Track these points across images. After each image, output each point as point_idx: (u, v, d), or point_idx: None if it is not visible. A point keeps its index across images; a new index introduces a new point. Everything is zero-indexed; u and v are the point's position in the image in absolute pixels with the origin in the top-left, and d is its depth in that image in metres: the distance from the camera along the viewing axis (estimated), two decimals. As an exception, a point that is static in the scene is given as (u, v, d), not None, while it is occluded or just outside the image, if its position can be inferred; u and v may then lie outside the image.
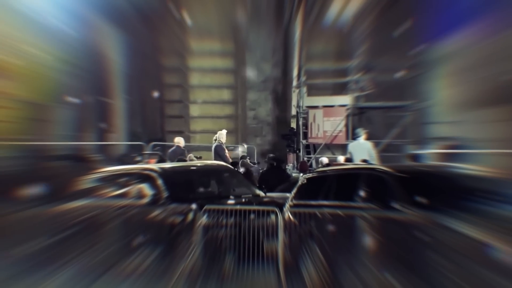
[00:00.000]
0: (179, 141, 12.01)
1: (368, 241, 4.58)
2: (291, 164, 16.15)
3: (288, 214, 5.27)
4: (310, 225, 4.98)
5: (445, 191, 4.92)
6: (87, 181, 7.65)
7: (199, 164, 9.06)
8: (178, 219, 5.64)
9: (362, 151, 10.16)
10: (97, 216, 6.09)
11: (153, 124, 19.12)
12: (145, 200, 6.45)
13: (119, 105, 17.63)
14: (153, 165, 8.11)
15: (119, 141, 17.47)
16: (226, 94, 19.46)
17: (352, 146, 10.76)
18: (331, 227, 4.87)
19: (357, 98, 15.11)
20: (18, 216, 6.16)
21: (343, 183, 5.65)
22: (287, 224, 5.16)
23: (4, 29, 11.12)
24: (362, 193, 5.19)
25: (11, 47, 11.59)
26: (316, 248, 4.80)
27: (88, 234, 5.90)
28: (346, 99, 15.31)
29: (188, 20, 18.31)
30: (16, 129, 12.33)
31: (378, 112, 15.01)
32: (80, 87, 17.82)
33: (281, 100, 18.82)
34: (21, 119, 12.61)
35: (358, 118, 15.02)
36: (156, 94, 18.85)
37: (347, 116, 14.94)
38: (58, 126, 16.17)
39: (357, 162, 9.65)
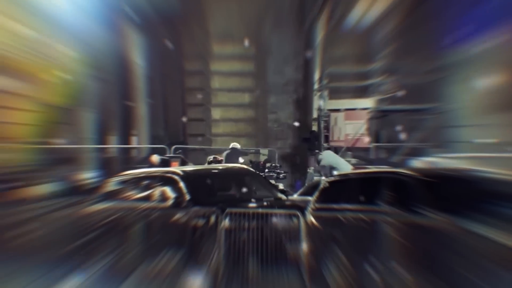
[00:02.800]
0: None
1: (392, 245, 4.53)
2: (312, 168, 16.08)
3: (310, 218, 5.25)
4: (333, 229, 4.95)
5: (470, 195, 4.84)
6: (112, 183, 7.76)
7: (220, 167, 9.10)
8: (200, 222, 5.67)
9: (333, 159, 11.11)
10: (121, 218, 6.18)
11: (175, 127, 19.28)
12: (168, 203, 6.51)
13: (142, 108, 17.84)
14: (175, 168, 8.19)
15: (141, 144, 17.68)
16: (247, 97, 19.51)
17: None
18: (354, 231, 4.83)
19: (379, 101, 14.98)
20: (49, 218, 6.29)
21: (366, 186, 5.60)
22: (310, 228, 5.14)
23: (29, 33, 11.37)
24: (385, 197, 5.14)
25: (37, 51, 11.85)
26: (339, 252, 4.76)
27: (113, 236, 5.99)
28: (368, 102, 15.19)
29: (210, 24, 18.43)
30: (41, 132, 12.59)
31: (400, 115, 14.84)
32: (104, 90, 18.11)
33: (302, 103, 18.77)
34: (46, 122, 12.86)
35: (380, 121, 14.88)
36: (178, 97, 19.01)
37: (369, 119, 14.82)
38: (82, 129, 16.46)
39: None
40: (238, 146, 12.75)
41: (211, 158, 12.24)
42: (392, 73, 14.68)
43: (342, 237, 4.87)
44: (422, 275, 4.19)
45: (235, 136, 18.33)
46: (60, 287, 5.39)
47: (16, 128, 12.08)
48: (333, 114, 15.50)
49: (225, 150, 13.23)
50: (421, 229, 4.43)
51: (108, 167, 16.58)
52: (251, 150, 18.23)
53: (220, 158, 12.33)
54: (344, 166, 10.81)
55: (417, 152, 13.38)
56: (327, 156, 11.38)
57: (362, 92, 15.78)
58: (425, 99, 13.78)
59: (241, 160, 12.47)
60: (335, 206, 5.44)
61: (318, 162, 11.25)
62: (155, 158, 12.46)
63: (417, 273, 4.23)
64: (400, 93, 14.17)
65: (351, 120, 15.11)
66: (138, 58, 17.56)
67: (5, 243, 5.88)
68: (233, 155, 12.25)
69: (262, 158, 17.75)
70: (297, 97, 19.02)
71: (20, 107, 12.36)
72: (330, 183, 6.23)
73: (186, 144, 18.20)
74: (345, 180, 6.18)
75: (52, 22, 12.37)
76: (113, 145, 17.39)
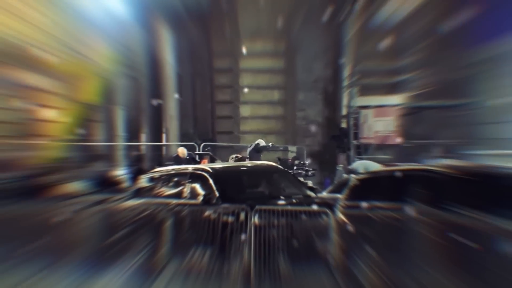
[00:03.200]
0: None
1: (423, 244, 4.46)
2: (341, 165, 15.97)
3: (340, 216, 5.22)
4: (363, 227, 4.91)
5: (503, 192, 4.73)
6: (143, 180, 7.91)
7: (249, 165, 9.14)
8: (230, 219, 5.71)
9: None
10: (152, 214, 6.29)
11: (204, 125, 19.44)
12: (198, 200, 6.58)
13: (171, 106, 18.06)
14: (205, 166, 8.27)
15: (171, 142, 17.90)
16: (276, 95, 19.51)
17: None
18: (385, 229, 4.77)
19: (411, 98, 14.74)
20: (84, 214, 6.46)
21: (396, 184, 5.53)
22: (339, 225, 5.12)
23: (60, 31, 11.66)
24: (416, 195, 5.06)
25: (71, 50, 12.14)
26: (370, 250, 4.71)
27: (145, 232, 6.10)
28: (399, 99, 14.97)
29: (240, 21, 18.49)
30: (74, 130, 12.91)
31: (433, 111, 14.56)
32: (135, 88, 18.43)
33: (331, 100, 18.64)
34: (80, 120, 13.18)
35: (411, 118, 14.64)
36: (207, 95, 19.17)
37: (400, 116, 14.60)
38: (114, 127, 16.79)
39: None
40: (262, 142, 12.73)
41: (233, 156, 12.34)
42: (424, 69, 14.42)
43: (373, 235, 4.82)
44: (456, 274, 4.12)
45: (263, 134, 18.37)
46: (94, 283, 5.54)
47: (51, 126, 12.43)
48: (362, 111, 15.34)
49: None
50: (454, 227, 4.35)
51: (139, 164, 16.88)
52: (280, 148, 18.22)
53: (240, 156, 12.43)
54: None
55: (449, 149, 13.12)
56: (360, 165, 11.08)
57: (392, 89, 15.56)
58: (458, 95, 13.48)
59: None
60: (365, 203, 5.40)
61: (352, 171, 11.00)
62: (183, 151, 12.53)
63: (450, 272, 4.16)
64: (432, 89, 13.91)
65: (381, 117, 14.92)
66: (168, 56, 17.78)
67: (45, 238, 6.09)
68: (255, 151, 12.35)
69: (291, 156, 17.73)
70: (326, 94, 18.90)
71: (55, 105, 12.72)
72: (360, 180, 6.17)
73: (215, 142, 18.33)
74: (375, 177, 6.12)
75: (86, 21, 12.64)
76: (143, 142, 17.68)
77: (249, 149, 12.92)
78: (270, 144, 13.29)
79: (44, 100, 12.03)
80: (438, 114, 14.41)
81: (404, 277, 4.42)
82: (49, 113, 12.29)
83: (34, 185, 8.80)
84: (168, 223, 5.95)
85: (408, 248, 4.51)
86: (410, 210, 4.69)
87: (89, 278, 5.61)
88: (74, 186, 9.50)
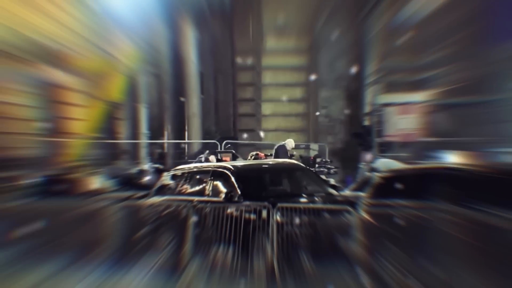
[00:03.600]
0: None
1: (449, 242, 4.38)
2: (364, 163, 15.83)
3: (363, 214, 5.16)
4: (387, 225, 4.84)
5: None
6: (166, 177, 7.98)
7: (270, 162, 9.12)
8: (252, 216, 5.72)
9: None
10: (175, 211, 6.34)
11: (226, 123, 19.50)
12: (220, 197, 6.60)
13: (194, 104, 18.17)
14: (227, 163, 8.28)
15: (193, 139, 18.02)
16: (298, 92, 19.43)
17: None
18: (408, 227, 4.70)
19: (436, 95, 14.49)
20: (108, 211, 6.57)
21: (420, 182, 5.44)
22: (362, 224, 5.06)
23: (85, 30, 11.82)
24: (440, 193, 4.97)
25: (95, 48, 12.31)
26: (395, 248, 4.64)
27: (168, 229, 6.16)
28: (423, 96, 14.74)
29: (263, 19, 18.46)
30: (98, 127, 13.11)
31: (459, 109, 14.27)
32: (158, 86, 18.60)
33: (354, 97, 18.46)
34: (104, 117, 13.37)
35: (436, 115, 14.39)
36: (229, 93, 19.22)
37: (425, 113, 14.37)
38: (138, 124, 16.99)
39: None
40: (291, 145, 12.49)
41: (253, 154, 12.35)
42: (450, 66, 14.13)
43: (398, 233, 4.75)
44: (483, 274, 4.03)
45: (285, 131, 18.33)
46: (120, 278, 5.63)
47: (77, 124, 12.64)
48: (386, 109, 15.16)
49: (274, 145, 13.30)
50: (480, 225, 4.26)
51: (162, 161, 17.05)
52: (301, 145, 18.15)
53: (261, 154, 12.41)
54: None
55: (475, 147, 12.85)
56: (383, 163, 10.99)
57: (417, 86, 15.32)
58: (486, 92, 13.18)
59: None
60: (388, 202, 5.33)
61: (374, 170, 10.91)
62: (212, 159, 12.60)
63: (478, 271, 4.07)
64: (459, 86, 13.63)
65: (405, 115, 14.72)
66: (191, 54, 17.88)
67: (72, 235, 6.22)
68: (281, 151, 12.28)
69: (313, 153, 17.65)
70: (349, 91, 18.74)
71: (80, 103, 12.93)
72: (384, 178, 6.10)
73: (237, 139, 18.37)
74: (399, 175, 6.04)
75: (111, 19, 12.79)
76: (166, 140, 17.85)
77: (275, 147, 12.83)
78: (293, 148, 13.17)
79: (69, 98, 12.24)
80: (465, 111, 14.11)
81: (430, 277, 4.35)
82: (74, 111, 12.50)
83: (61, 183, 8.98)
84: (191, 220, 5.99)
85: (433, 247, 4.43)
86: (434, 209, 4.61)
87: (115, 274, 5.70)
88: (98, 183, 9.65)
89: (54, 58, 10.77)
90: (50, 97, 11.35)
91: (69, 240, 6.20)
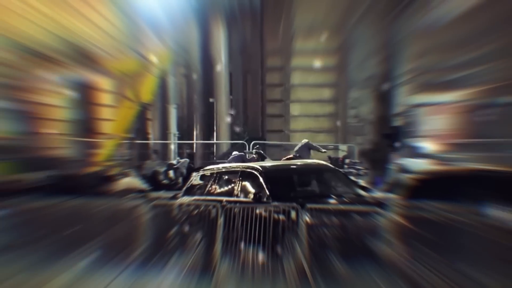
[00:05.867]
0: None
1: (484, 246, 4.26)
2: (394, 164, 15.57)
3: (394, 215, 5.08)
4: (420, 227, 4.75)
5: None
6: (195, 178, 8.05)
7: (299, 163, 9.09)
8: (281, 217, 5.71)
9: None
10: (204, 212, 6.38)
11: (254, 123, 19.50)
12: (248, 198, 6.62)
13: (223, 104, 18.26)
14: (256, 164, 8.30)
15: (222, 140, 18.12)
16: (327, 93, 19.25)
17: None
18: (443, 230, 4.58)
19: (470, 94, 14.12)
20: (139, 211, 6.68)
21: (455, 184, 5.31)
22: (393, 225, 4.99)
23: (117, 31, 12.03)
24: (476, 195, 4.85)
25: (125, 47, 12.51)
26: (429, 251, 4.54)
27: (197, 229, 6.22)
28: (457, 96, 14.39)
29: (293, 19, 18.37)
30: (126, 128, 13.33)
31: (495, 108, 13.85)
32: (187, 87, 18.79)
33: (384, 98, 18.18)
34: (134, 118, 13.58)
35: (472, 115, 14.03)
36: (258, 93, 19.22)
37: (458, 113, 14.04)
38: (167, 125, 17.20)
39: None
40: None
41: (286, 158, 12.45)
42: (487, 64, 13.71)
43: (431, 235, 4.64)
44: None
45: (314, 132, 18.22)
46: (150, 277, 5.72)
47: (108, 124, 12.89)
48: (418, 109, 14.88)
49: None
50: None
51: (191, 161, 17.21)
52: (330, 146, 18.01)
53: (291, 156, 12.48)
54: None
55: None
56: (414, 164, 10.87)
57: (451, 85, 14.95)
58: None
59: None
60: (421, 203, 5.22)
61: (405, 171, 10.80)
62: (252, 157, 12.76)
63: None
64: (496, 86, 13.22)
65: (437, 115, 14.42)
66: (221, 54, 17.97)
67: (104, 234, 6.36)
68: (304, 149, 12.42)
69: (341, 154, 17.49)
70: (380, 91, 18.44)
71: (112, 104, 13.17)
72: (416, 180, 5.99)
73: (265, 140, 18.37)
74: (431, 177, 5.92)
75: (142, 20, 12.97)
76: (195, 140, 18.01)
77: (296, 148, 13.00)
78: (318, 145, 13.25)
79: (102, 99, 12.49)
80: (504, 111, 13.67)
81: (466, 281, 4.23)
82: (106, 112, 12.75)
83: (93, 182, 9.17)
84: (220, 221, 6.02)
85: (469, 250, 4.32)
86: (468, 211, 4.50)
87: (146, 273, 5.80)
88: (129, 183, 9.81)
89: (88, 59, 11.00)
90: (84, 98, 11.61)
91: (101, 239, 6.33)
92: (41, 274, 5.69)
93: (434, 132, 14.36)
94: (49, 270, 5.80)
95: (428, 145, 14.42)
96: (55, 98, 10.22)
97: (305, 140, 13.53)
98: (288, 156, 12.79)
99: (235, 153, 13.48)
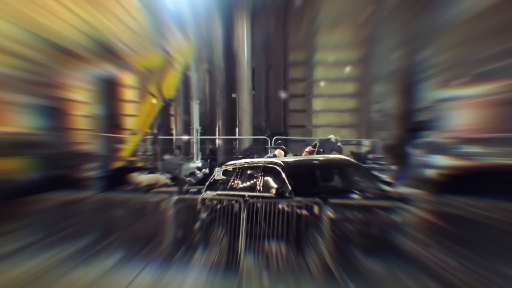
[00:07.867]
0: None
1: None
2: (418, 160, 15.33)
3: (419, 211, 5.00)
4: (448, 224, 4.64)
5: None
6: (218, 173, 8.09)
7: (321, 158, 9.04)
8: (303, 212, 5.69)
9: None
10: (226, 207, 6.42)
11: (277, 118, 19.45)
12: (271, 193, 6.61)
13: (245, 99, 18.26)
14: (278, 159, 8.29)
15: (244, 135, 18.13)
16: (350, 87, 19.02)
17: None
18: (474, 228, 4.46)
19: (500, 88, 13.77)
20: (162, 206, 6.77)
21: (485, 180, 5.19)
22: (418, 221, 4.91)
23: (141, 27, 12.12)
24: (503, 191, 4.73)
25: (148, 43, 12.60)
26: (457, 248, 4.44)
27: (220, 224, 6.26)
28: (484, 90, 14.05)
29: (316, 12, 18.18)
30: (149, 123, 13.45)
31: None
32: (210, 82, 18.85)
33: (409, 92, 17.88)
34: (155, 114, 13.68)
35: (500, 109, 13.68)
36: (280, 88, 19.13)
37: (487, 107, 13.71)
38: (190, 120, 17.31)
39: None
40: (333, 139, 12.60)
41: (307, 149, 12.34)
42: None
43: (459, 232, 4.54)
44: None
45: (336, 127, 18.05)
46: (174, 272, 5.79)
47: (132, 120, 13.05)
48: (444, 103, 14.59)
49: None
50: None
51: (213, 157, 17.31)
52: (353, 141, 17.85)
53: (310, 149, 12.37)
54: None
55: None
56: (437, 160, 10.65)
57: (479, 79, 14.60)
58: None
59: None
60: (446, 199, 5.12)
61: (429, 166, 10.58)
62: (279, 152, 12.62)
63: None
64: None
65: (464, 109, 14.11)
66: (244, 50, 17.94)
67: (129, 228, 6.47)
68: (327, 146, 12.25)
69: (364, 149, 17.32)
70: (404, 86, 18.15)
71: (136, 100, 13.33)
72: (441, 175, 5.89)
73: (287, 135, 18.31)
74: (458, 173, 5.81)
75: (165, 14, 13.03)
76: (217, 136, 18.08)
77: (317, 142, 12.85)
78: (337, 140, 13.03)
79: (126, 95, 12.65)
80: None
81: (497, 278, 4.12)
82: (130, 107, 12.91)
83: (118, 177, 9.31)
84: (243, 215, 6.04)
85: (499, 246, 4.21)
86: (496, 208, 4.39)
87: (169, 268, 5.87)
88: (153, 178, 9.92)
89: (112, 55, 11.14)
90: (109, 94, 11.77)
91: (126, 233, 6.43)
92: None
93: (460, 127, 14.08)
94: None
95: (453, 140, 14.16)
96: (81, 94, 10.38)
97: (331, 136, 13.19)
98: (307, 150, 12.63)
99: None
